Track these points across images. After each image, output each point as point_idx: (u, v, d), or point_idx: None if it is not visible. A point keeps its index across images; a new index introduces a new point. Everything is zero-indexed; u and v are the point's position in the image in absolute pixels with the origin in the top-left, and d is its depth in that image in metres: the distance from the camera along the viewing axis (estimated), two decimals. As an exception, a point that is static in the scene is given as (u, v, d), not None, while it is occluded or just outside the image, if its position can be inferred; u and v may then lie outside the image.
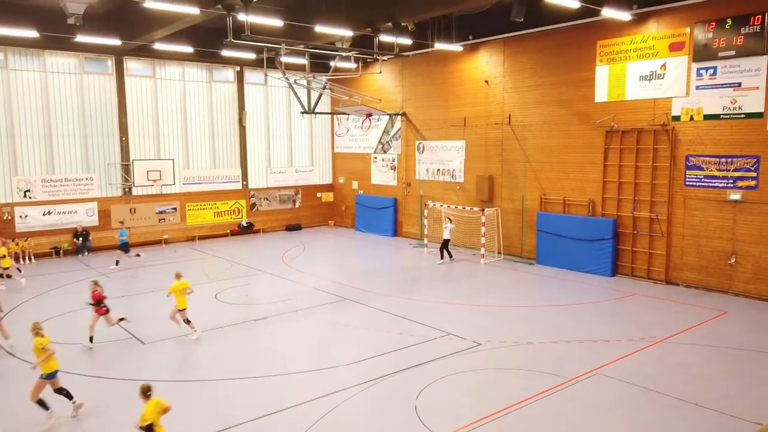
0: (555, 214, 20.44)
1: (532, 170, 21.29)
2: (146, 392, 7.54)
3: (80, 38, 20.20)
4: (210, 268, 21.24)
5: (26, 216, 22.48)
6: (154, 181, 25.02)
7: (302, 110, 24.81)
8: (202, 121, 27.01)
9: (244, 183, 28.47)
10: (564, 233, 19.91)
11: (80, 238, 23.25)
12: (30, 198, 22.55)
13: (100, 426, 9.22)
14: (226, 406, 9.86)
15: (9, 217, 22.09)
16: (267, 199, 29.32)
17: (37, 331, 9.43)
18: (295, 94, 24.38)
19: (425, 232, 24.30)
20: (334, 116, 30.46)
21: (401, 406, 9.68)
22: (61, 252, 23.09)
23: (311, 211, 30.78)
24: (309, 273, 20.03)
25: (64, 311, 15.46)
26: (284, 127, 29.81)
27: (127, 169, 24.63)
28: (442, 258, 21.37)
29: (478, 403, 9.84)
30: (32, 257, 22.16)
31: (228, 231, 27.75)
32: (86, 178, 23.82)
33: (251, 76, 28.25)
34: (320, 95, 25.04)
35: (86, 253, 23.20)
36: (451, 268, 20.79)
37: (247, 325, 14.46)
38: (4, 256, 18.15)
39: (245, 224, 28.31)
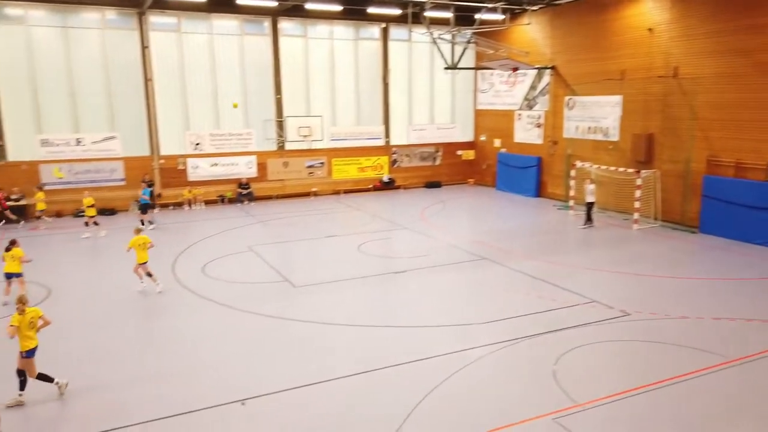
0: (726, 179, 18.26)
1: (699, 129, 19.09)
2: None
3: (241, 1, 21.60)
4: (353, 220, 22.23)
5: (197, 167, 25.10)
6: (305, 136, 26.46)
7: (445, 66, 24.47)
8: (348, 79, 27.82)
9: (386, 140, 29.06)
10: (735, 200, 17.75)
11: (243, 188, 25.53)
12: (199, 150, 25.09)
13: (245, 355, 10.23)
14: (365, 350, 10.40)
15: (183, 167, 24.82)
16: (408, 156, 29.72)
17: (20, 307, 8.66)
18: (439, 49, 24.06)
19: (571, 193, 23.10)
20: (478, 72, 29.67)
21: (538, 369, 9.50)
22: (225, 200, 25.55)
23: (451, 168, 30.67)
24: (447, 230, 20.13)
25: (226, 253, 17.16)
26: (426, 83, 29.71)
27: (281, 125, 26.31)
28: (588, 222, 20.21)
29: (623, 375, 9.33)
30: (203, 203, 24.81)
31: (371, 186, 28.70)
32: (246, 133, 25.88)
33: (396, 32, 28.35)
34: (464, 50, 24.46)
35: (246, 202, 25.42)
36: (598, 232, 19.64)
37: (387, 277, 14.99)
38: (91, 206, 19.52)
39: (386, 180, 29.04)
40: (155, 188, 23.90)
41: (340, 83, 27.70)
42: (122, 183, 23.71)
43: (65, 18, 22.34)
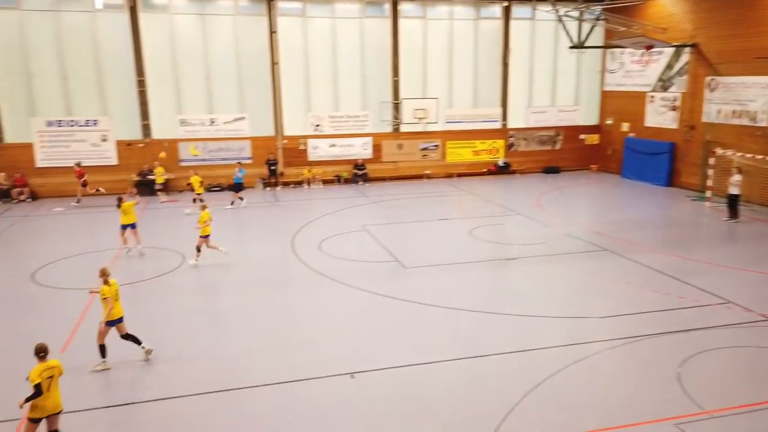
0: None
1: None
2: (39, 353, 6.83)
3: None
4: (466, 204, 21.97)
5: (316, 147, 26.10)
6: (420, 119, 26.46)
7: (571, 45, 23.18)
8: (466, 60, 27.33)
9: (503, 123, 28.27)
10: None
11: (358, 169, 26.19)
12: (319, 131, 26.03)
13: (352, 328, 10.51)
14: (471, 335, 10.28)
15: (304, 148, 25.93)
16: (525, 140, 28.71)
17: (104, 278, 9.22)
18: (564, 27, 22.81)
19: (708, 183, 21.04)
20: (607, 51, 27.79)
21: (661, 371, 8.83)
22: (342, 180, 26.36)
23: (572, 153, 29.18)
24: (565, 218, 19.25)
25: (341, 231, 17.71)
26: (548, 64, 28.37)
27: (397, 107, 26.52)
28: (732, 215, 18.21)
29: (761, 385, 8.40)
30: (321, 182, 25.80)
31: (485, 170, 28.14)
32: (363, 115, 26.42)
33: (518, 11, 27.29)
34: (592, 28, 22.98)
35: (361, 183, 26.05)
36: (740, 227, 17.75)
37: (498, 264, 14.68)
38: (201, 183, 20.67)
39: (502, 164, 28.31)
40: (278, 167, 25.21)
41: (458, 64, 27.29)
42: (249, 161, 25.27)
43: (203, 6, 24.05)
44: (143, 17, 23.26)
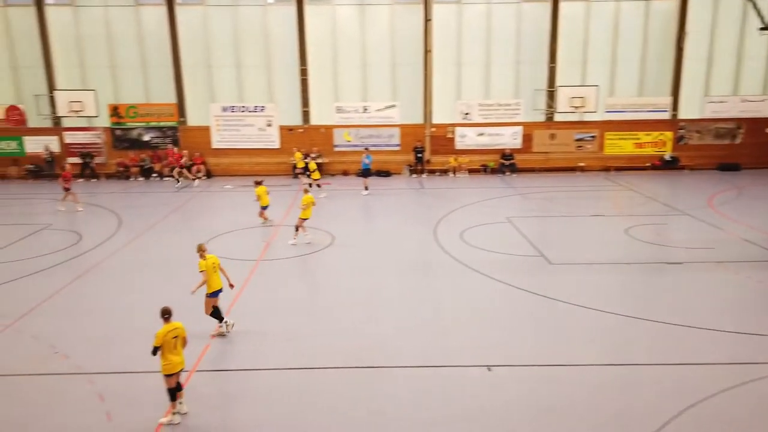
0: None
1: None
2: (164, 315, 7.49)
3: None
4: (623, 201, 20.40)
5: (464, 136, 25.88)
6: (576, 107, 24.98)
7: (761, 26, 20.26)
8: (633, 45, 25.17)
9: (674, 113, 25.65)
10: None
11: (506, 159, 25.53)
12: (468, 120, 25.76)
13: (495, 322, 10.24)
14: (620, 340, 9.53)
15: (451, 136, 25.86)
16: (699, 132, 25.79)
17: (200, 253, 9.80)
18: (755, 6, 19.97)
19: None
20: (810, 30, 23.84)
21: None
22: (488, 170, 25.88)
23: (756, 149, 25.62)
24: (743, 222, 17.01)
25: (484, 222, 17.39)
26: (732, 48, 25.10)
27: (551, 95, 25.30)
28: None
29: None
30: (466, 171, 25.58)
31: (648, 164, 25.83)
32: (515, 104, 25.61)
33: (699, -12, 24.49)
34: (793, 3, 19.86)
35: (508, 173, 25.36)
36: None
37: (657, 267, 13.41)
38: (315, 170, 21.26)
39: (668, 158, 25.76)
40: (424, 155, 25.45)
41: (623, 50, 25.24)
42: (398, 148, 25.83)
43: (363, -4, 24.96)
44: (308, 9, 24.69)
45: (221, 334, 9.91)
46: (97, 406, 7.83)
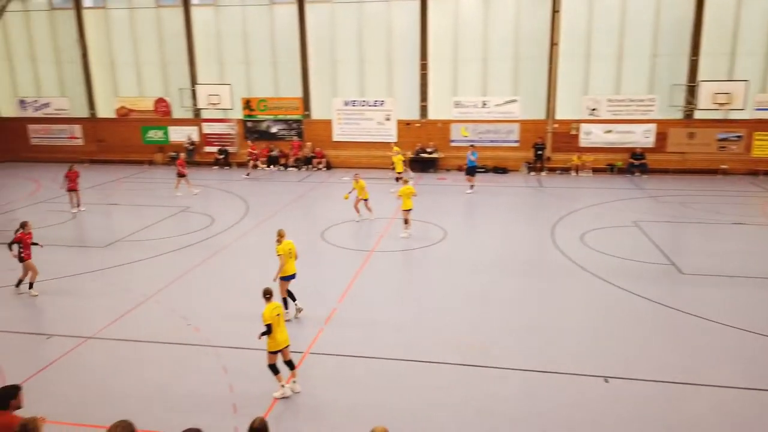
0: None
1: None
2: (266, 295, 7.88)
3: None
4: (772, 209, 18.26)
5: (590, 133, 24.53)
6: (721, 104, 22.68)
7: None
8: (795, 33, 22.37)
9: (842, 111, 22.46)
10: None
11: (636, 158, 23.83)
12: (594, 116, 24.38)
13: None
14: (758, 361, 8.54)
15: (575, 132, 24.63)
16: None
17: (278, 238, 10.23)
18: None
19: None
20: None
21: None
22: (615, 169, 24.33)
23: None
24: None
25: (608, 225, 16.38)
26: None
27: (692, 90, 23.19)
28: None
29: None
30: (590, 170, 24.25)
31: (805, 169, 22.91)
32: (648, 99, 23.81)
33: None
34: None
35: (637, 174, 23.67)
36: None
37: (813, 285, 11.84)
38: (404, 162, 21.15)
39: (832, 163, 22.64)
40: (545, 152, 24.49)
41: (781, 39, 22.51)
42: (516, 144, 25.10)
43: (488, -11, 24.47)
44: (431, 3, 24.69)
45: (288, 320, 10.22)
46: (221, 378, 8.44)
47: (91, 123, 28.47)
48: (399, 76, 25.85)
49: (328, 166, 26.27)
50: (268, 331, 7.73)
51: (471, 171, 21.42)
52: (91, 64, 27.80)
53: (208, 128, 27.54)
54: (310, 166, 26.12)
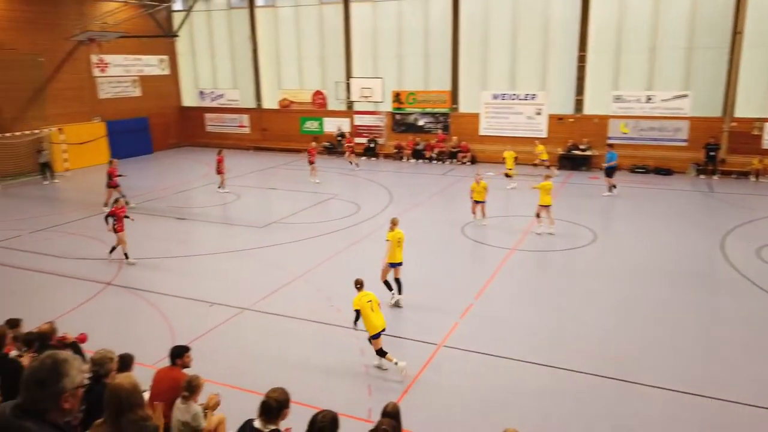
0: None
1: None
2: (356, 285, 8.56)
3: None
4: None
5: (775, 133, 21.47)
6: None
7: None
8: None
9: None
10: None
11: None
12: (784, 114, 21.25)
13: None
14: None
15: (758, 133, 21.67)
16: None
17: (391, 226, 10.63)
18: None
19: None
20: None
21: None
22: (805, 176, 21.05)
23: None
24: None
25: (796, 239, 14.24)
26: None
27: None
28: None
29: None
30: (772, 177, 21.29)
31: None
32: None
33: None
34: None
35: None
36: None
37: None
38: (516, 158, 20.86)
39: None
40: (719, 153, 21.89)
41: None
42: (684, 144, 22.76)
43: (660, -27, 22.34)
44: (596, -9, 23.20)
45: (396, 304, 10.61)
46: (358, 359, 8.77)
47: (257, 113, 31.06)
48: (553, 68, 24.68)
49: (473, 161, 25.97)
50: (356, 317, 8.27)
51: (609, 172, 19.61)
52: (260, 58, 30.30)
53: (358, 120, 28.65)
54: (455, 160, 26.02)
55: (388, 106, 27.85)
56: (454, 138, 26.37)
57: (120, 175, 17.56)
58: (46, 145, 23.66)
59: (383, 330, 8.32)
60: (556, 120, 24.75)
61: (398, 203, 18.63)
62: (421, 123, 27.45)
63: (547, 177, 15.27)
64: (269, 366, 8.63)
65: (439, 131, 26.88)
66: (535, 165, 22.68)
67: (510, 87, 25.50)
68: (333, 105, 29.15)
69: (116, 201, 13.68)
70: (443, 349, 9.06)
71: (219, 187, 20.62)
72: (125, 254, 13.20)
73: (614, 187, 19.58)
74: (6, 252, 13.99)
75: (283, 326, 10.02)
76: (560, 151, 24.00)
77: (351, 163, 25.40)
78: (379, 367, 8.45)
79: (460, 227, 15.76)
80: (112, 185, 17.42)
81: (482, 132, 26.19)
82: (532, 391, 7.91)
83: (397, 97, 27.56)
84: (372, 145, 27.99)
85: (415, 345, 9.22)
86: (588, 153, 23.90)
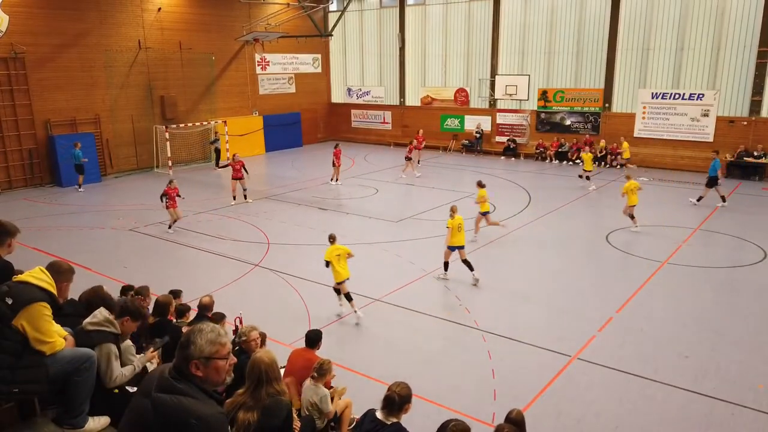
0: None
1: None
2: (330, 239, 10.10)
3: None
4: None
5: None
6: None
7: None
8: None
9: None
10: None
11: None
12: None
13: None
14: None
15: None
16: None
17: (451, 213, 11.52)
18: None
19: None
20: None
21: None
22: None
23: None
24: None
25: None
26: None
27: None
28: None
29: None
30: None
31: None
32: None
33: None
34: None
35: None
36: None
37: None
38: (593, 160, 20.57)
39: None
40: None
41: None
42: None
43: None
44: (782, -23, 20.38)
45: (445, 279, 11.72)
46: (485, 362, 8.59)
47: (400, 110, 31.69)
48: (727, 65, 22.10)
49: (623, 164, 24.17)
50: (327, 265, 9.89)
51: (711, 182, 17.15)
52: (406, 56, 30.86)
53: (501, 118, 28.02)
54: (604, 163, 24.41)
55: (532, 104, 26.90)
56: (602, 142, 24.68)
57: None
58: (218, 135, 26.25)
59: (347, 278, 9.86)
60: (726, 122, 22.19)
61: (537, 206, 17.92)
62: (568, 122, 26.15)
63: (628, 177, 15.33)
64: (395, 359, 8.76)
65: (588, 133, 25.36)
66: (621, 166, 22.48)
67: (673, 85, 23.32)
68: (475, 103, 28.82)
69: (170, 182, 15.39)
70: (577, 361, 8.55)
71: (332, 180, 21.26)
72: (170, 224, 15.41)
73: (724, 199, 17.37)
74: (173, 230, 15.75)
75: (412, 321, 10.12)
76: (729, 157, 21.48)
77: (404, 171, 22.76)
78: (339, 310, 10.14)
79: (604, 235, 14.77)
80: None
81: (637, 134, 24.26)
82: (684, 420, 7.15)
83: (543, 95, 26.51)
84: (512, 146, 27.24)
85: (547, 354, 8.81)
86: (763, 161, 21.13)
